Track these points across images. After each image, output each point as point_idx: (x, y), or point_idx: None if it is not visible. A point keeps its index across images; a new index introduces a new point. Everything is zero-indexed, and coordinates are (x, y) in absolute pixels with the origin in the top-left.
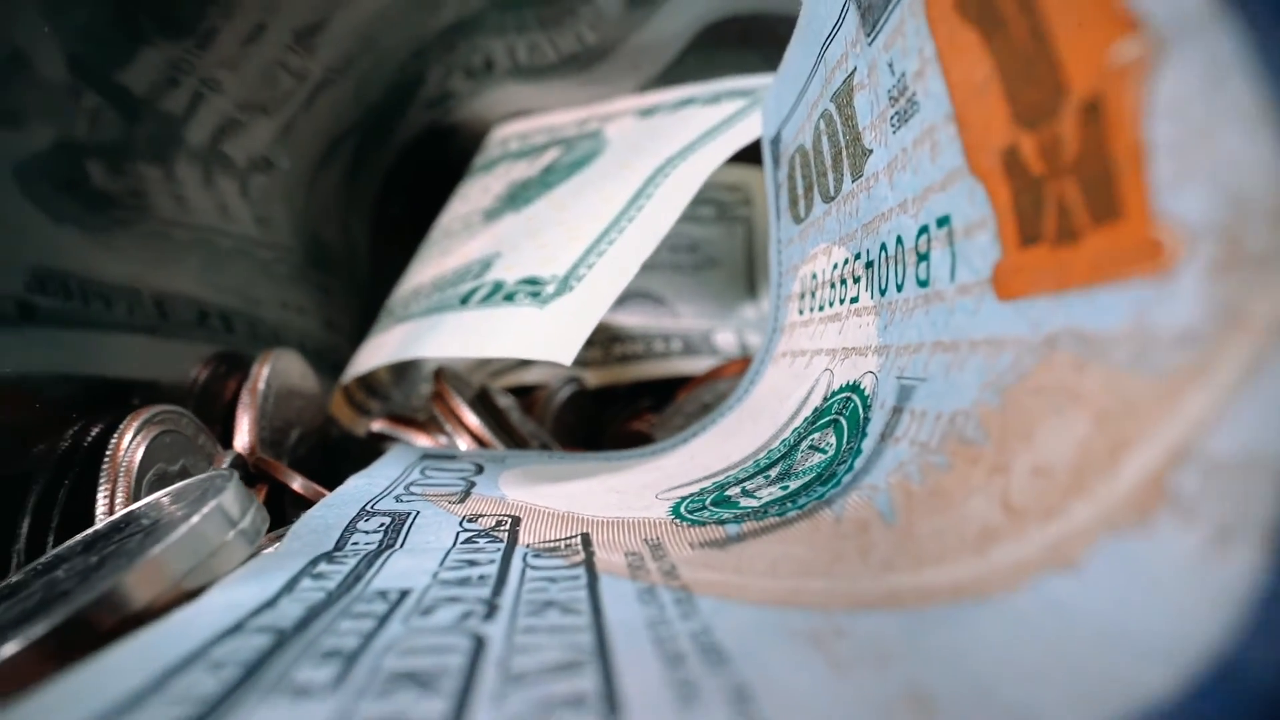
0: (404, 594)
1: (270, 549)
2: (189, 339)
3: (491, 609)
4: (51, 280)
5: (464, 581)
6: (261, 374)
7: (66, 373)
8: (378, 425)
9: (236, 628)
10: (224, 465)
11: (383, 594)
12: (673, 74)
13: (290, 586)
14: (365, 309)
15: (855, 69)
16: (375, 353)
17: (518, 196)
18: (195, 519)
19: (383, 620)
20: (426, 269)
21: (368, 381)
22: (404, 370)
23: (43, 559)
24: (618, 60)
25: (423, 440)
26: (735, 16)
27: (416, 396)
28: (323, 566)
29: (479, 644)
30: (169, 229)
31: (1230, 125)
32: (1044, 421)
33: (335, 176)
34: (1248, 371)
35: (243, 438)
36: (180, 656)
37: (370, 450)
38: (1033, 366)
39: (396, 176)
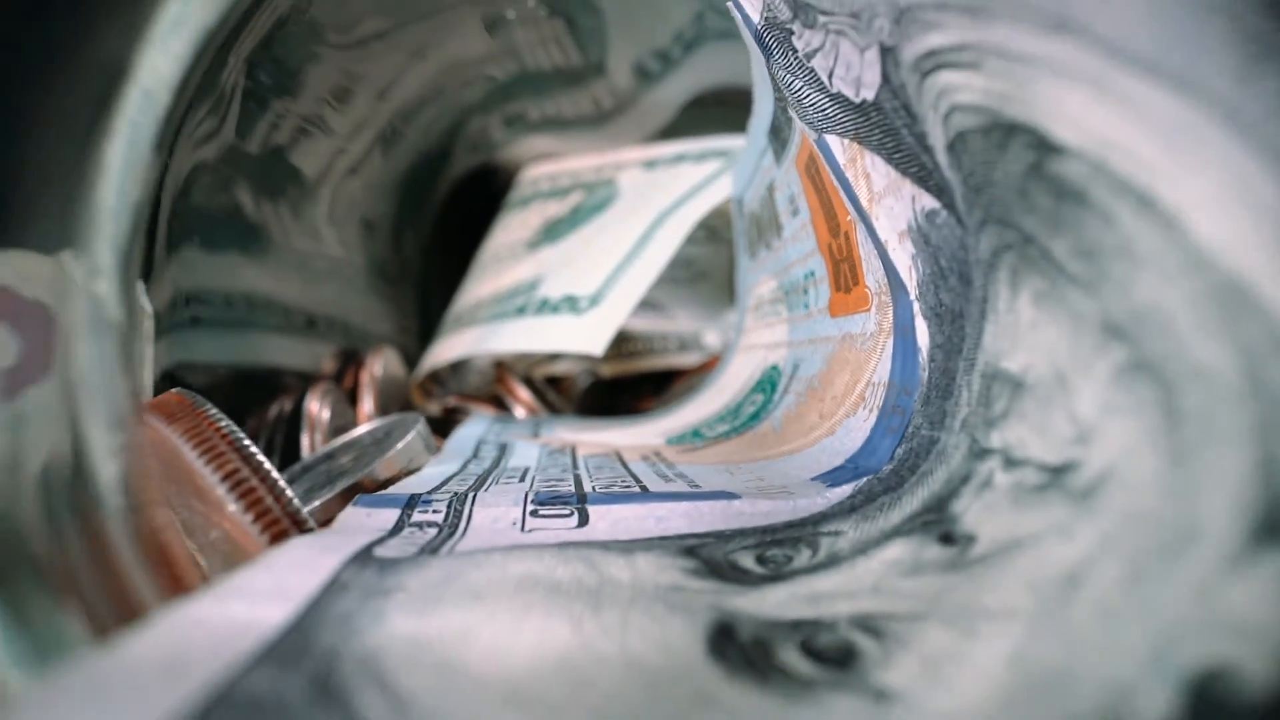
0: (527, 468)
1: (433, 459)
2: (304, 338)
3: (575, 469)
4: (211, 295)
5: (553, 464)
6: (377, 363)
7: (236, 361)
8: (453, 401)
9: (455, 474)
10: (363, 429)
11: (515, 467)
12: (672, 127)
13: (463, 467)
14: (424, 315)
15: (774, 178)
16: (450, 349)
17: (552, 232)
18: (409, 437)
19: (525, 472)
20: (483, 286)
21: (434, 374)
22: (458, 366)
23: (300, 464)
24: (627, 118)
25: (487, 411)
26: (719, 87)
27: (467, 385)
28: (473, 461)
29: (576, 477)
30: (282, 253)
31: (872, 255)
32: (837, 375)
33: (398, 206)
34: (880, 346)
35: (367, 407)
36: (436, 483)
37: (438, 423)
38: (837, 350)
39: (447, 206)
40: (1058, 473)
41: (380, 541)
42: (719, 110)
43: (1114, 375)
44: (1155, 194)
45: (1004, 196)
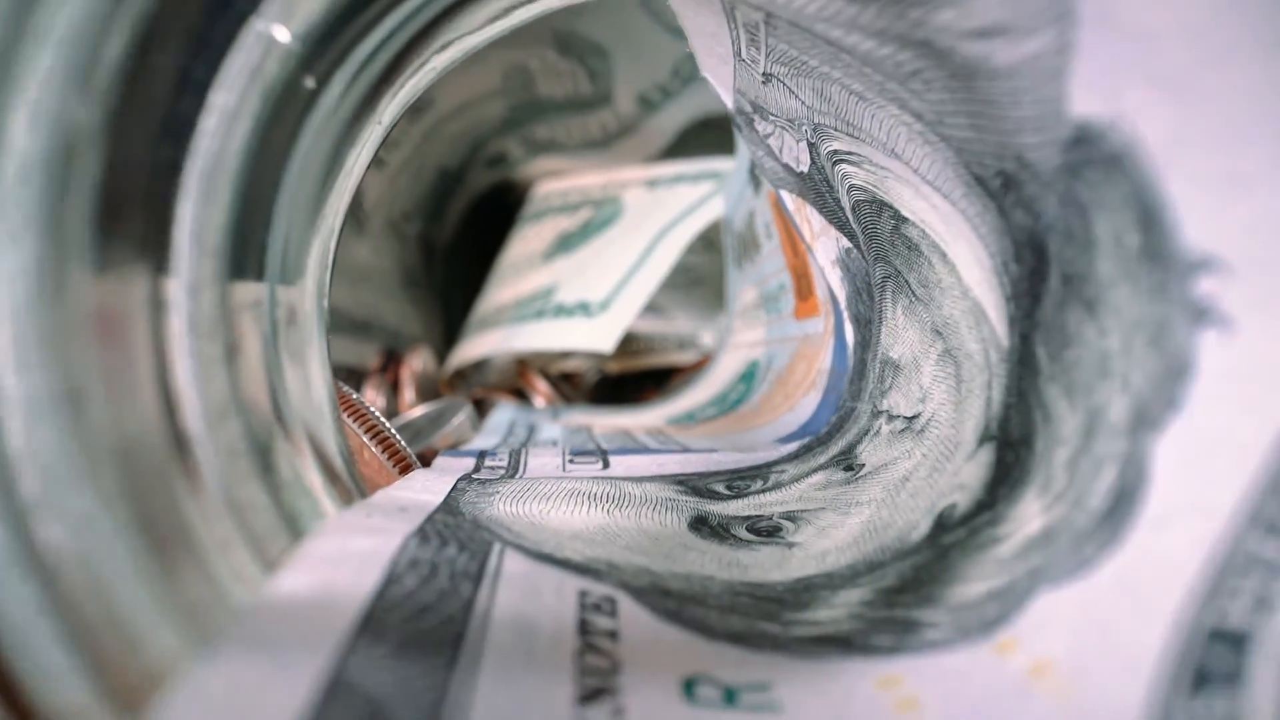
0: (556, 439)
1: (477, 435)
2: (350, 338)
3: (594, 439)
4: None
5: (575, 437)
6: (417, 359)
7: None
8: (479, 393)
9: (500, 443)
10: (418, 411)
11: (546, 439)
12: (671, 148)
13: (504, 439)
14: (447, 318)
15: (754, 207)
16: (477, 347)
17: (565, 244)
18: (460, 417)
19: (555, 441)
20: (504, 292)
21: (459, 370)
22: (480, 363)
23: None
24: (631, 141)
25: (510, 400)
26: (712, 114)
27: (487, 380)
28: (510, 436)
29: (596, 442)
30: None
31: (819, 274)
32: (798, 365)
33: (425, 218)
34: (826, 343)
35: (409, 397)
36: (491, 446)
37: None
38: (799, 347)
39: (466, 218)
40: (911, 420)
41: (472, 472)
42: (713, 133)
43: (938, 359)
44: (946, 251)
45: (883, 244)
